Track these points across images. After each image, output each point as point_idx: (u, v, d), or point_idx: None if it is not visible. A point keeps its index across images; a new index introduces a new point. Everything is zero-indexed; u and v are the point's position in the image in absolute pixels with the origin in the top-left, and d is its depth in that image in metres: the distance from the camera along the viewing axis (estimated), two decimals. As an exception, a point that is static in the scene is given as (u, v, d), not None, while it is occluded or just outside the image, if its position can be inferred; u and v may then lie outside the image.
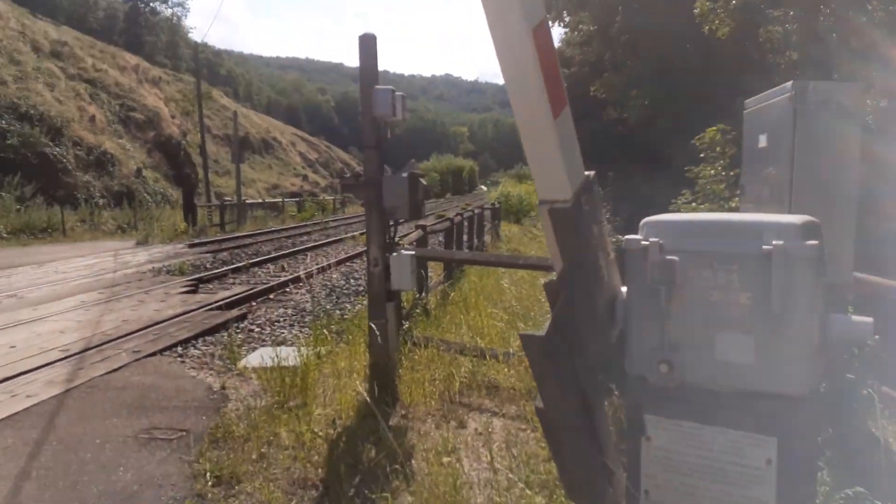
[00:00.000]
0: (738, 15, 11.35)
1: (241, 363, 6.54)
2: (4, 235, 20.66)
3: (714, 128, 10.12)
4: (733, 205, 9.60)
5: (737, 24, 11.52)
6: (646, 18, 16.52)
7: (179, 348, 7.14)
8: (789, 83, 3.77)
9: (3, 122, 27.08)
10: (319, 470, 4.04)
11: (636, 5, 17.05)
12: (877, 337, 3.41)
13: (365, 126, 5.34)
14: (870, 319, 2.49)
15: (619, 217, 17.13)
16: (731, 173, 9.75)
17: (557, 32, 28.37)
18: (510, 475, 3.65)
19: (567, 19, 25.51)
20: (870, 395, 4.56)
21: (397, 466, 3.80)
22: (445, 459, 3.93)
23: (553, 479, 3.59)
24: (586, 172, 2.57)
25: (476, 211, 17.47)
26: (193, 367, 6.48)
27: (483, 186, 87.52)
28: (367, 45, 5.33)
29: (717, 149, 10.11)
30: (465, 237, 15.03)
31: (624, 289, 2.72)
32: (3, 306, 9.27)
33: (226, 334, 7.59)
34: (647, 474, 2.49)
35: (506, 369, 5.59)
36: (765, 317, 2.27)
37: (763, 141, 4.17)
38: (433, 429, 4.61)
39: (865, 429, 4.11)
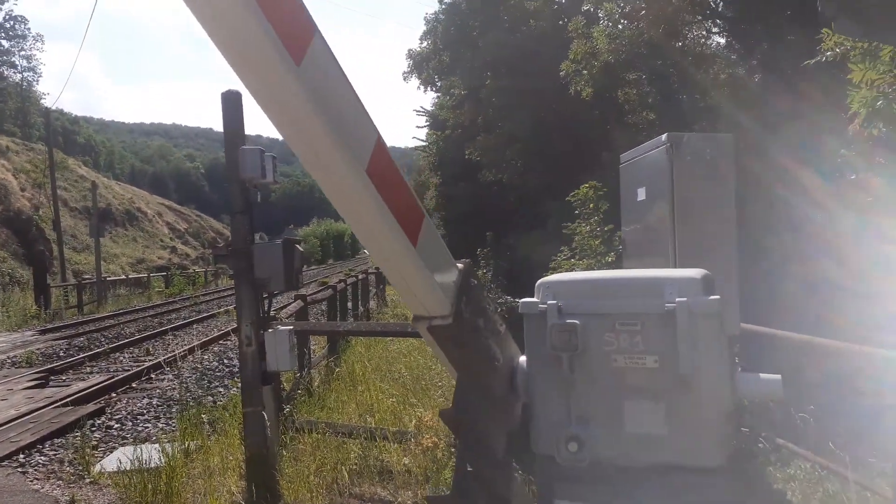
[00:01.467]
0: (599, 77, 12.02)
1: (96, 468, 5.69)
2: None
3: (587, 184, 10.43)
4: (609, 259, 9.86)
5: (599, 87, 12.21)
6: (514, 81, 17.22)
7: (21, 456, 6.16)
8: (664, 136, 3.81)
9: None
10: None
11: (503, 69, 17.76)
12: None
13: (232, 190, 4.91)
14: (778, 377, 2.40)
15: (500, 277, 17.31)
16: (606, 228, 10.06)
17: (430, 97, 29.14)
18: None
19: (438, 84, 26.33)
20: (764, 448, 4.58)
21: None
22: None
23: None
24: (459, 265, 2.26)
25: (360, 276, 17.07)
26: (38, 478, 5.57)
27: (366, 251, 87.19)
28: (232, 102, 4.96)
29: (591, 205, 10.41)
30: (349, 304, 14.57)
31: (523, 358, 2.50)
32: None
33: (79, 434, 6.64)
34: (560, 567, 2.24)
35: (399, 451, 5.17)
36: (673, 380, 2.12)
37: (642, 194, 4.19)
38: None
39: (768, 486, 4.07)
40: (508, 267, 17.29)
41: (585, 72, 11.97)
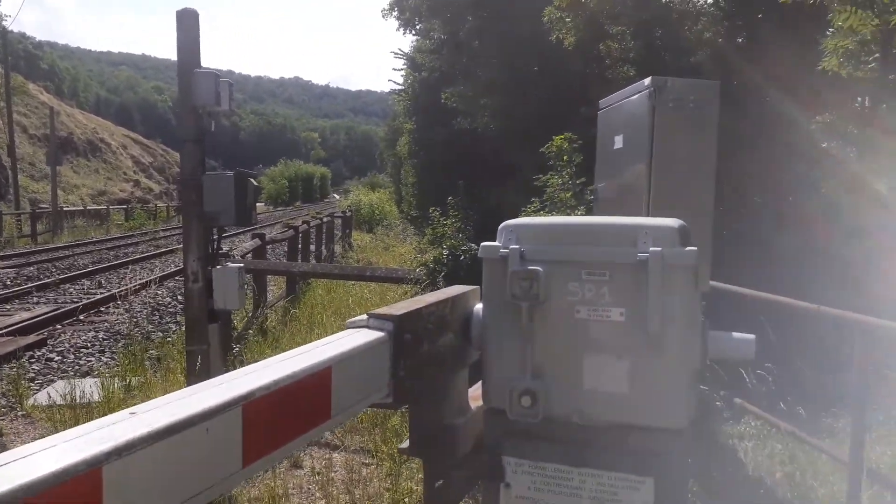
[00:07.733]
0: (583, 27, 11.61)
1: (30, 401, 5.42)
2: None
3: (561, 136, 10.20)
4: (580, 213, 9.74)
5: (582, 37, 11.80)
6: (495, 24, 16.69)
7: (-50, 385, 5.84)
8: (648, 79, 3.55)
9: None
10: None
11: (486, 13, 17.18)
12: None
13: (184, 116, 4.56)
14: (752, 337, 2.24)
15: (470, 225, 17.13)
16: (578, 181, 9.89)
17: (409, 40, 28.20)
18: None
19: (419, 26, 25.49)
20: (720, 407, 4.52)
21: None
22: (273, 514, 3.28)
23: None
24: (380, 332, 1.76)
25: (325, 219, 16.72)
26: (-34, 409, 5.28)
27: (336, 195, 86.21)
28: (187, 21, 4.55)
29: (565, 157, 10.20)
30: (312, 247, 14.26)
31: (479, 306, 2.30)
32: None
33: (15, 366, 6.34)
34: (506, 528, 2.09)
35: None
36: (640, 337, 1.94)
37: (619, 142, 3.95)
38: (261, 472, 3.92)
39: (719, 443, 4.01)
40: (479, 216, 17.10)
41: (569, 19, 11.56)
